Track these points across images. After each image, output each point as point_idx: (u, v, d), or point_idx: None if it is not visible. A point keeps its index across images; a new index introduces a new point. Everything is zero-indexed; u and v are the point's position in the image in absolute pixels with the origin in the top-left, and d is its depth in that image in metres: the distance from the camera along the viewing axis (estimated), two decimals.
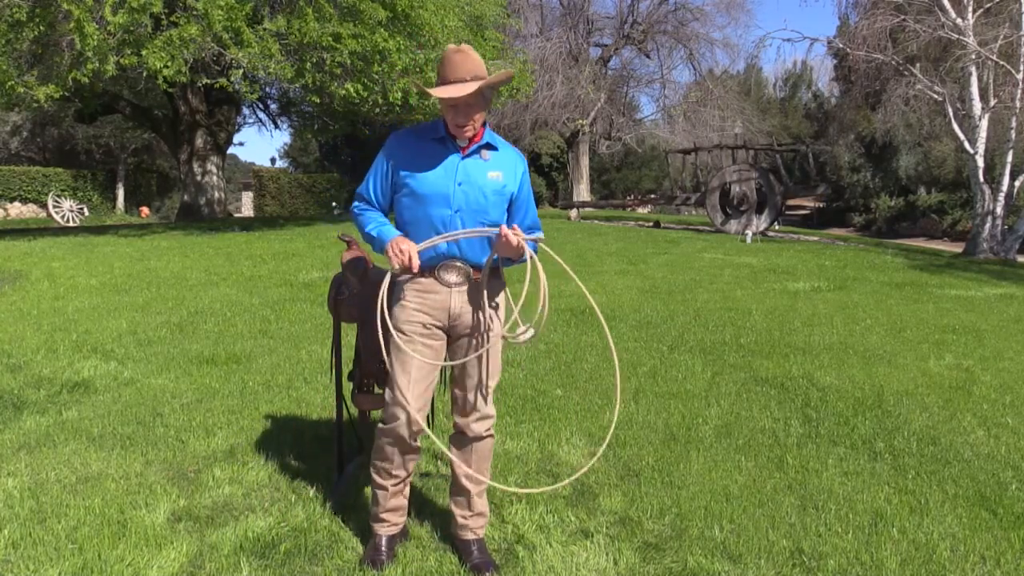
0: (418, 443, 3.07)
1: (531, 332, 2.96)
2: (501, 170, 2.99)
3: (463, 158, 2.96)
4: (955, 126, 18.07)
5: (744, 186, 20.68)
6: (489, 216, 2.96)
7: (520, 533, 3.30)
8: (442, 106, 2.89)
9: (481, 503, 3.15)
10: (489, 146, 3.01)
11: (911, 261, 14.62)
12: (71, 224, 28.38)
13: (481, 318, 3.00)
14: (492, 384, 3.10)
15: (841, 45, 22.01)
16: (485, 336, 3.01)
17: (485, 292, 2.99)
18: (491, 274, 3.01)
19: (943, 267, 14.04)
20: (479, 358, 3.02)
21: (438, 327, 2.98)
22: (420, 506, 3.55)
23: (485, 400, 3.08)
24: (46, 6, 13.32)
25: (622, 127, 32.95)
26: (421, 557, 3.13)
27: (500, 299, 3.10)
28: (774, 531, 3.34)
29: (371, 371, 3.67)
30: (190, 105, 21.10)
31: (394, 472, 3.06)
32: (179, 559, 3.08)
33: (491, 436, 3.14)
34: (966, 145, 17.90)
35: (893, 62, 18.69)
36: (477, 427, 3.09)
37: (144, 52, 13.18)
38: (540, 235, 3.06)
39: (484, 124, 2.99)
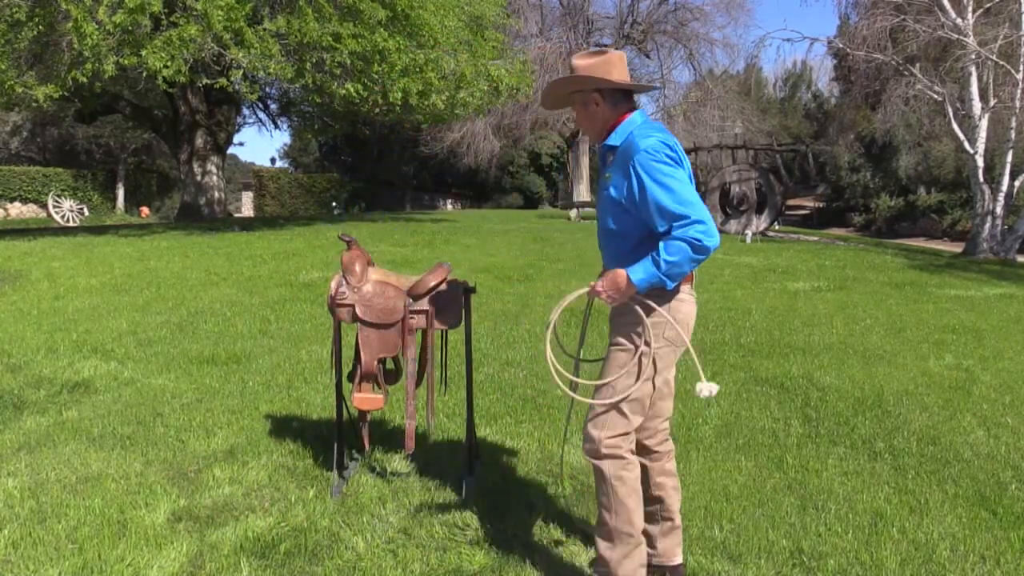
0: None
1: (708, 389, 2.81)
2: (613, 172, 2.78)
3: (604, 166, 2.87)
4: (955, 126, 18.06)
5: (744, 186, 20.68)
6: (608, 226, 2.82)
7: (520, 533, 3.30)
8: None
9: (598, 532, 2.85)
10: (612, 149, 2.81)
11: (911, 261, 14.62)
12: (71, 224, 28.38)
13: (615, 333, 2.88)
14: (597, 398, 2.83)
15: (841, 45, 22.00)
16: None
17: (618, 310, 2.87)
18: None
19: (943, 267, 14.04)
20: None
21: None
22: (420, 506, 3.55)
23: (591, 414, 2.85)
24: (45, 6, 13.32)
25: None
26: (421, 557, 3.13)
27: (631, 317, 2.79)
28: (774, 531, 3.34)
29: (371, 371, 3.68)
30: (190, 105, 21.10)
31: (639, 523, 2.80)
32: (179, 559, 3.08)
33: (597, 463, 2.78)
34: (966, 145, 17.90)
35: (893, 62, 18.69)
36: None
37: (144, 52, 13.17)
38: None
39: (621, 122, 2.80)
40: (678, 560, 2.99)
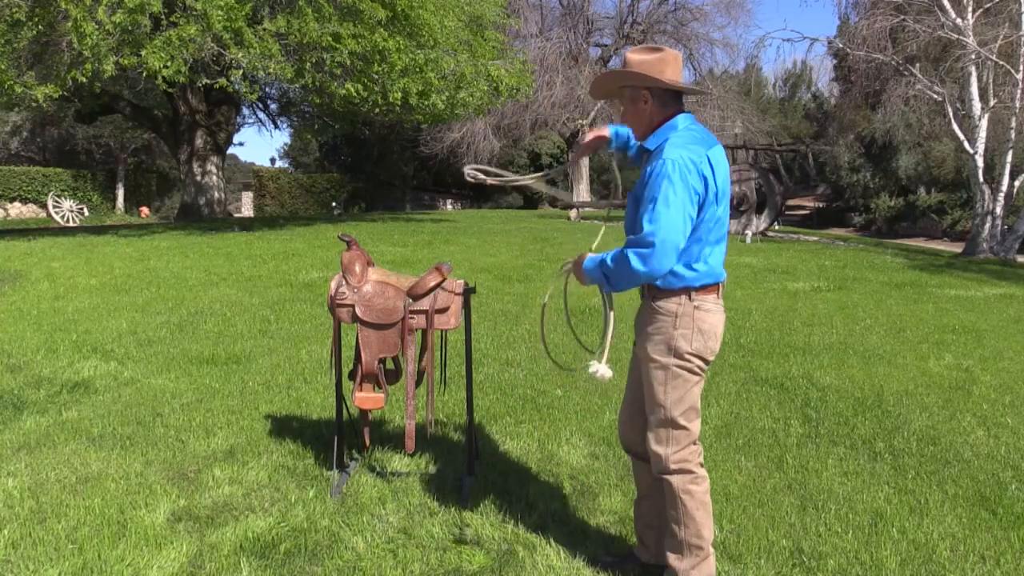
0: None
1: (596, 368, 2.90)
2: (643, 173, 2.75)
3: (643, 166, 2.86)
4: (955, 126, 18.05)
5: (744, 186, 20.66)
6: (630, 225, 2.80)
7: (520, 533, 3.30)
8: None
9: (668, 544, 2.85)
10: (648, 151, 2.79)
11: (911, 261, 14.62)
12: (71, 224, 28.38)
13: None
14: (652, 420, 2.81)
15: (841, 45, 22.01)
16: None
17: (642, 319, 2.88)
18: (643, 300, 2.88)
19: (943, 267, 14.04)
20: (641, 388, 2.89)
21: None
22: (420, 506, 3.55)
23: (651, 432, 2.83)
24: (45, 6, 13.32)
25: None
26: (421, 557, 3.13)
27: (654, 328, 2.79)
28: (774, 531, 3.34)
29: (371, 371, 3.68)
30: (190, 105, 21.11)
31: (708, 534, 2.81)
32: (179, 559, 3.08)
33: (666, 477, 2.77)
34: (966, 145, 17.89)
35: (893, 62, 18.68)
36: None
37: (143, 52, 13.18)
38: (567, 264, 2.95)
39: (662, 126, 2.77)
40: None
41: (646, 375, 2.81)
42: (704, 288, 2.73)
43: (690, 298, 2.71)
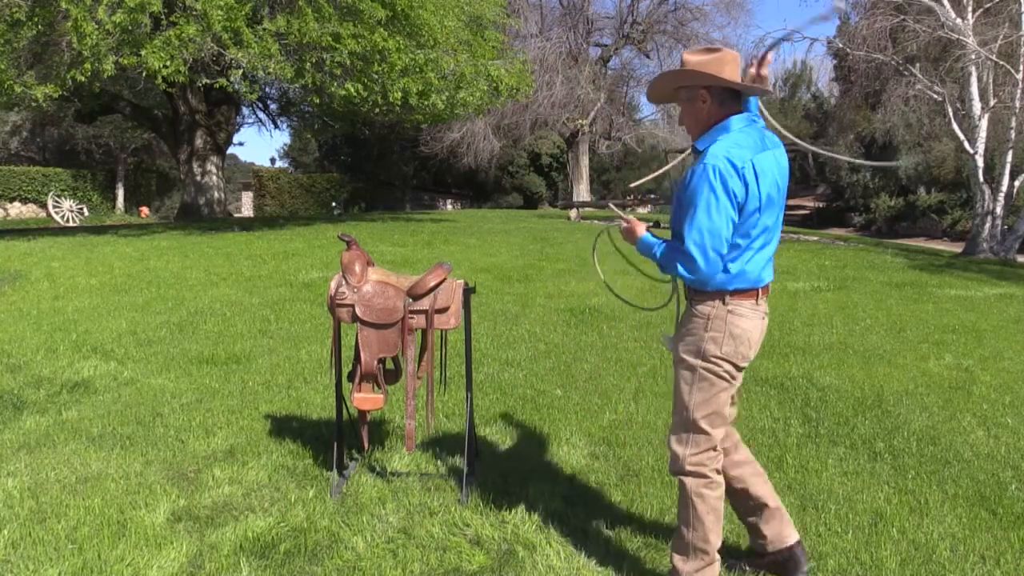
0: None
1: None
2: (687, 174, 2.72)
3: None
4: (955, 126, 18.05)
5: None
6: (676, 227, 2.76)
7: (520, 533, 3.30)
8: None
9: (674, 544, 2.85)
10: (698, 152, 2.75)
11: (911, 261, 14.62)
12: (71, 224, 28.39)
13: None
14: (675, 420, 2.83)
15: (841, 45, 22.00)
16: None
17: (681, 320, 2.87)
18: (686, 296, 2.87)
19: (943, 267, 14.04)
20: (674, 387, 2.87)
21: None
22: (420, 506, 3.55)
23: (672, 431, 2.85)
24: (45, 5, 13.32)
25: (622, 127, 32.97)
26: (421, 557, 3.13)
27: (687, 329, 2.79)
28: None
29: (371, 371, 3.68)
30: (190, 105, 21.10)
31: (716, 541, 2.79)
32: (179, 559, 3.08)
33: (681, 477, 2.79)
34: (966, 145, 17.89)
35: (893, 62, 18.68)
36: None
37: (143, 52, 13.18)
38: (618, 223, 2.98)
39: (715, 126, 2.73)
40: (793, 539, 2.95)
41: (675, 374, 2.82)
42: (740, 292, 2.69)
43: (724, 302, 2.68)
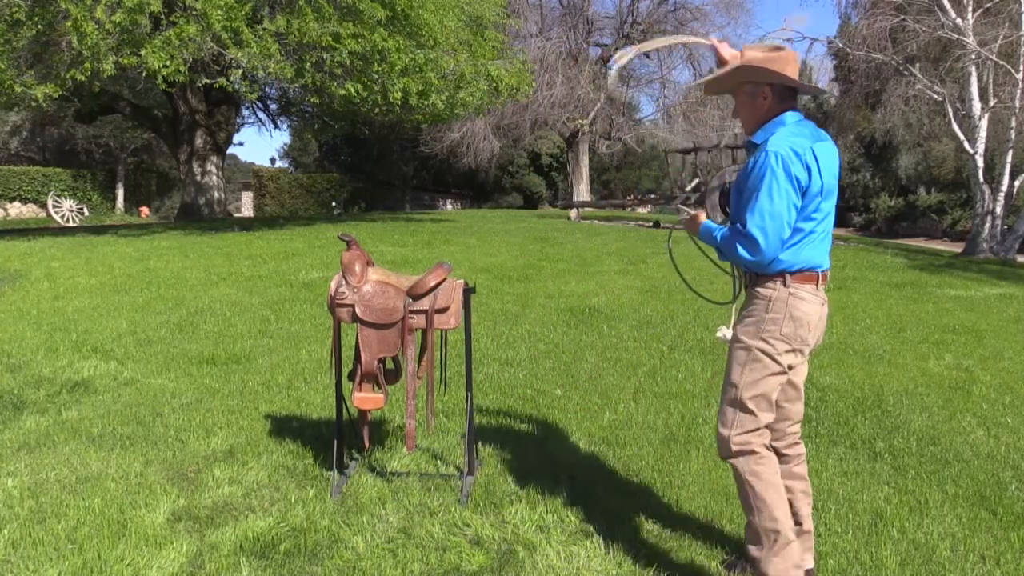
0: None
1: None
2: (747, 166, 2.79)
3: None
4: (955, 126, 18.06)
5: None
6: (736, 215, 2.83)
7: (520, 533, 3.30)
8: None
9: (747, 537, 2.84)
10: (753, 145, 2.82)
11: (911, 261, 14.62)
12: (71, 224, 28.39)
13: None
14: (722, 402, 2.86)
15: (841, 45, 22.00)
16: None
17: (743, 305, 2.91)
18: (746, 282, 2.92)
19: (943, 267, 14.04)
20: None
21: None
22: (420, 505, 3.55)
23: (719, 416, 2.87)
24: (45, 5, 13.31)
25: (622, 127, 32.98)
26: (421, 557, 3.13)
27: (748, 311, 2.84)
28: None
29: (371, 371, 3.67)
30: (190, 105, 21.10)
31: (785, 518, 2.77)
32: (179, 559, 3.08)
33: (731, 461, 2.81)
34: (966, 145, 17.90)
35: (893, 62, 18.68)
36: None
37: (143, 52, 13.17)
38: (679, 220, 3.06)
39: (771, 120, 2.79)
40: (809, 565, 2.94)
41: (729, 355, 2.85)
42: (800, 274, 2.73)
43: (785, 283, 2.72)
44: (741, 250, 2.68)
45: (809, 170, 2.65)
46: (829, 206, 2.76)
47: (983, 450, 4.39)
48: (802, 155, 2.63)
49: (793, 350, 2.76)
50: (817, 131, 2.77)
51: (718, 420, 2.84)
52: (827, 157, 2.71)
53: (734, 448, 2.75)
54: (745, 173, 2.74)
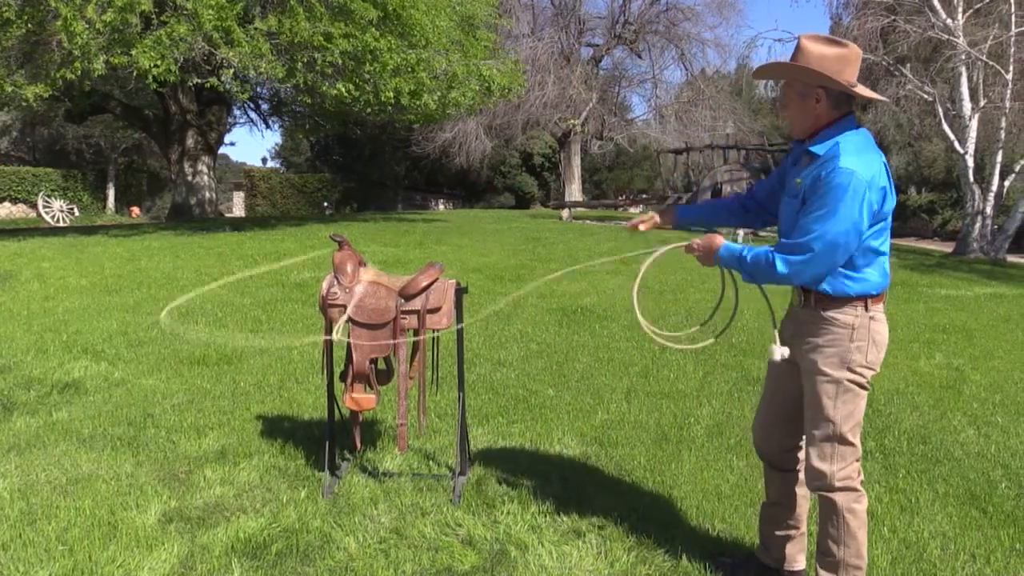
0: None
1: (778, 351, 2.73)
2: (805, 178, 2.59)
3: (792, 166, 2.76)
4: (945, 126, 18.14)
5: (735, 186, 20.70)
6: (784, 230, 2.70)
7: (512, 533, 3.30)
8: None
9: (822, 563, 2.73)
10: (811, 155, 2.61)
11: (901, 261, 14.67)
12: (61, 224, 28.26)
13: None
14: (816, 435, 2.67)
15: None
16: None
17: (806, 328, 2.72)
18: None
19: (933, 267, 14.09)
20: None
21: None
22: (412, 506, 3.55)
23: (813, 449, 2.69)
24: (35, 4, 13.25)
25: (614, 127, 33.05)
26: (413, 557, 3.12)
27: (827, 340, 2.65)
28: None
29: (362, 371, 3.67)
30: (181, 105, 21.05)
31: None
32: (170, 560, 3.07)
33: (828, 495, 2.67)
34: (956, 145, 17.98)
35: (884, 62, 18.75)
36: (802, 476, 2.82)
37: (134, 51, 13.13)
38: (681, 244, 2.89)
39: (831, 127, 2.60)
40: (800, 566, 2.96)
41: (814, 389, 2.66)
42: (880, 296, 2.63)
43: (867, 308, 2.59)
44: (780, 265, 2.53)
45: (884, 192, 2.51)
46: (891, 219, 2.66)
47: (973, 449, 4.41)
48: (878, 179, 2.48)
49: (872, 372, 2.66)
50: (872, 140, 2.61)
51: (812, 452, 2.67)
52: (888, 170, 2.59)
53: (837, 484, 2.63)
54: (808, 186, 2.54)
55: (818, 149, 2.58)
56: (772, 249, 2.59)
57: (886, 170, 2.54)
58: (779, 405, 2.87)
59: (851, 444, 2.64)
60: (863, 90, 2.59)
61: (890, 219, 2.62)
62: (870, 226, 2.52)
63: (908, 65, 18.79)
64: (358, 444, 3.90)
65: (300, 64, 14.57)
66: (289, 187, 40.28)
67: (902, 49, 18.14)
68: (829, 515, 2.67)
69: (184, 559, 3.09)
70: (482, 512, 3.49)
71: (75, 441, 4.35)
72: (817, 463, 2.65)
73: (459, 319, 3.77)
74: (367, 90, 15.66)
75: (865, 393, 2.66)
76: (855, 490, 2.65)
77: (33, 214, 31.31)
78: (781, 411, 2.86)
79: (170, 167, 22.42)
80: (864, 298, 2.59)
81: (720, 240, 2.76)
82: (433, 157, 34.84)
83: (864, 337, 2.59)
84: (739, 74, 35.52)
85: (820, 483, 2.67)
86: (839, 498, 2.64)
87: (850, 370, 2.60)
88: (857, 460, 2.67)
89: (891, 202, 2.55)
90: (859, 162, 2.46)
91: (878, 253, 2.59)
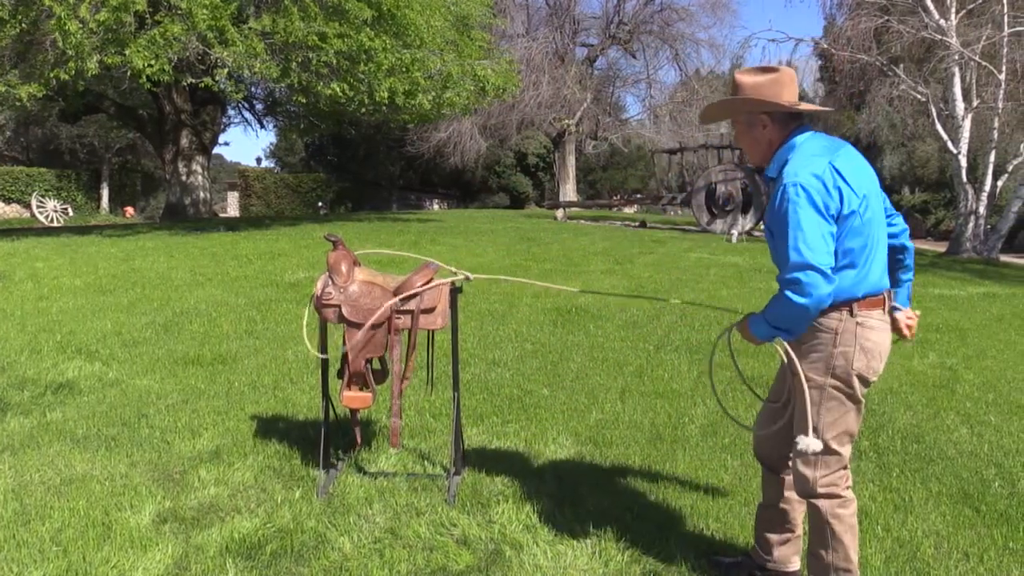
0: None
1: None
2: (770, 203, 2.58)
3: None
4: (938, 126, 18.19)
5: (730, 186, 20.73)
6: (777, 261, 2.61)
7: (507, 532, 3.30)
8: None
9: (812, 567, 2.73)
10: (769, 179, 2.66)
11: None
12: (55, 224, 28.21)
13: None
14: (799, 443, 2.61)
15: (826, 46, 22.11)
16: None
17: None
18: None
19: (927, 266, 14.13)
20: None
21: None
22: (406, 506, 3.55)
23: (799, 453, 2.64)
24: (28, 4, 13.23)
25: (608, 127, 33.07)
26: (408, 557, 3.13)
27: (811, 345, 2.62)
28: None
29: (358, 369, 3.67)
30: (175, 105, 21.00)
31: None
32: (164, 560, 3.07)
33: (811, 501, 2.67)
34: (949, 145, 18.03)
35: (877, 63, 18.80)
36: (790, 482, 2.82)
37: (127, 51, 13.11)
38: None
39: (781, 150, 2.63)
40: (795, 567, 2.96)
41: (797, 392, 2.66)
42: (866, 300, 2.57)
43: (852, 313, 2.55)
44: (795, 298, 2.44)
45: (839, 190, 2.47)
46: (875, 212, 2.58)
47: (967, 448, 4.42)
48: (823, 177, 2.45)
49: (866, 382, 2.61)
50: (833, 141, 2.61)
51: (796, 456, 2.65)
52: (851, 165, 2.54)
53: (820, 490, 2.62)
54: (770, 214, 2.55)
55: (771, 171, 2.64)
56: (779, 291, 2.54)
57: (835, 170, 2.49)
58: (779, 410, 2.89)
59: (835, 453, 2.62)
60: (807, 106, 2.63)
61: (865, 219, 2.53)
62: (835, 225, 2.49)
63: (901, 65, 18.85)
64: (359, 441, 3.91)
65: (294, 64, 14.56)
66: (283, 187, 40.24)
67: (895, 49, 18.20)
68: (815, 520, 2.67)
69: (178, 559, 3.09)
70: (477, 512, 3.49)
71: (69, 441, 4.35)
72: (801, 468, 2.65)
73: (454, 319, 3.77)
74: (362, 90, 15.66)
75: (855, 405, 2.62)
76: (839, 496, 2.63)
77: (27, 214, 31.23)
78: (781, 416, 2.87)
79: (164, 167, 22.37)
80: (848, 302, 2.55)
81: (745, 322, 2.74)
82: (428, 157, 34.82)
83: (849, 342, 2.56)
84: (733, 74, 35.54)
85: (803, 488, 2.67)
86: (822, 504, 2.64)
87: (835, 376, 2.58)
88: (844, 468, 2.65)
89: (853, 200, 2.49)
90: (803, 170, 2.47)
91: (850, 254, 2.52)
